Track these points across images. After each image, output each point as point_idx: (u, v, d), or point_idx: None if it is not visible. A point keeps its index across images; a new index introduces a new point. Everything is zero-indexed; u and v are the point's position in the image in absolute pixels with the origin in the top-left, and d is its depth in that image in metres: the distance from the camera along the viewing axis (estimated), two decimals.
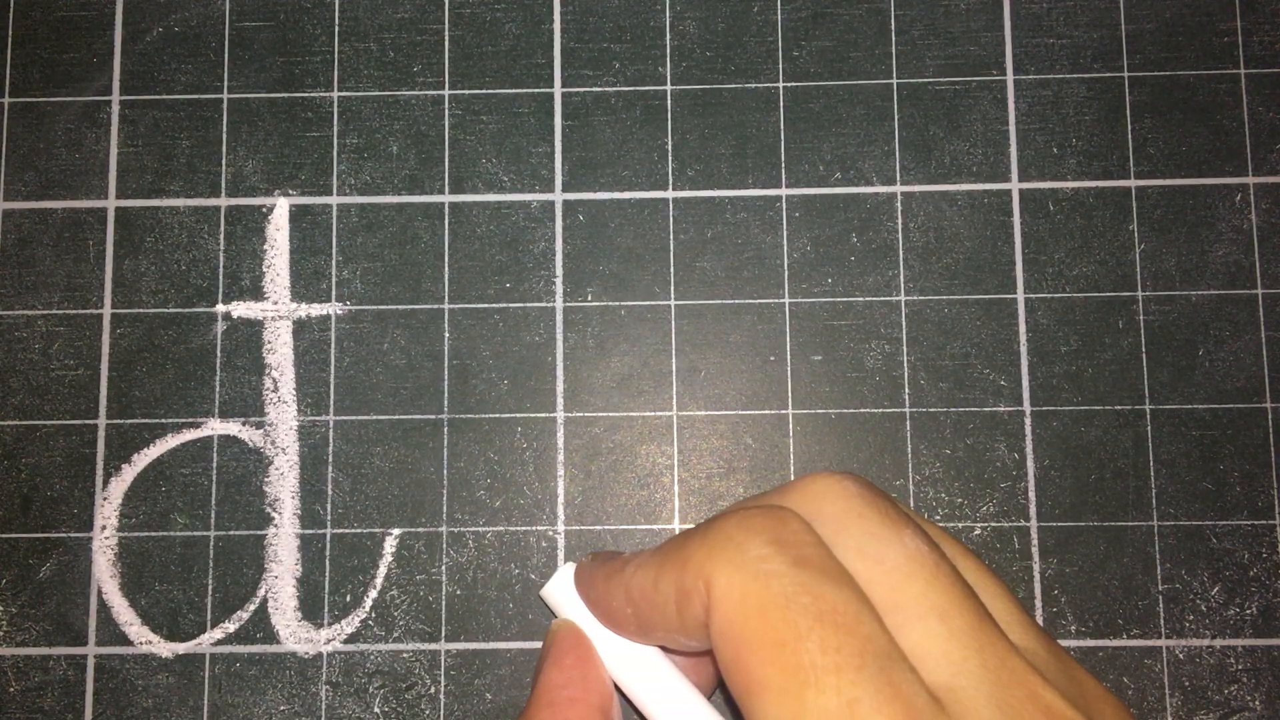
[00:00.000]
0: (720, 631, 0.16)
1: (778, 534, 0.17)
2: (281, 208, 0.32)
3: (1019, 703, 0.15)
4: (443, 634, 0.30)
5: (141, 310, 0.31)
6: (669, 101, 0.32)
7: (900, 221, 0.31)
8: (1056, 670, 0.17)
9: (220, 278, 0.31)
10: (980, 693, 0.15)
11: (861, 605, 0.16)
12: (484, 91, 0.32)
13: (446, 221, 0.32)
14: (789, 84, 0.32)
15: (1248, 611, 0.29)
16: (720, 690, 0.26)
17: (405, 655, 0.30)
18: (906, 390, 0.31)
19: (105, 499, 0.30)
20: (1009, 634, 0.17)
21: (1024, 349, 0.31)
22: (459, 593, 0.30)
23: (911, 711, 0.15)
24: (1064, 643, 0.29)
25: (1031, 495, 0.30)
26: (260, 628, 0.30)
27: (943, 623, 0.16)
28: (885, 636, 0.16)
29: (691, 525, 0.29)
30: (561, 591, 0.23)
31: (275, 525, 0.30)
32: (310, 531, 0.30)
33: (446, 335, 0.31)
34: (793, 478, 0.30)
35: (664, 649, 0.22)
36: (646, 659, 0.22)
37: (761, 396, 0.31)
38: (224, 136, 0.32)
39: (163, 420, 0.31)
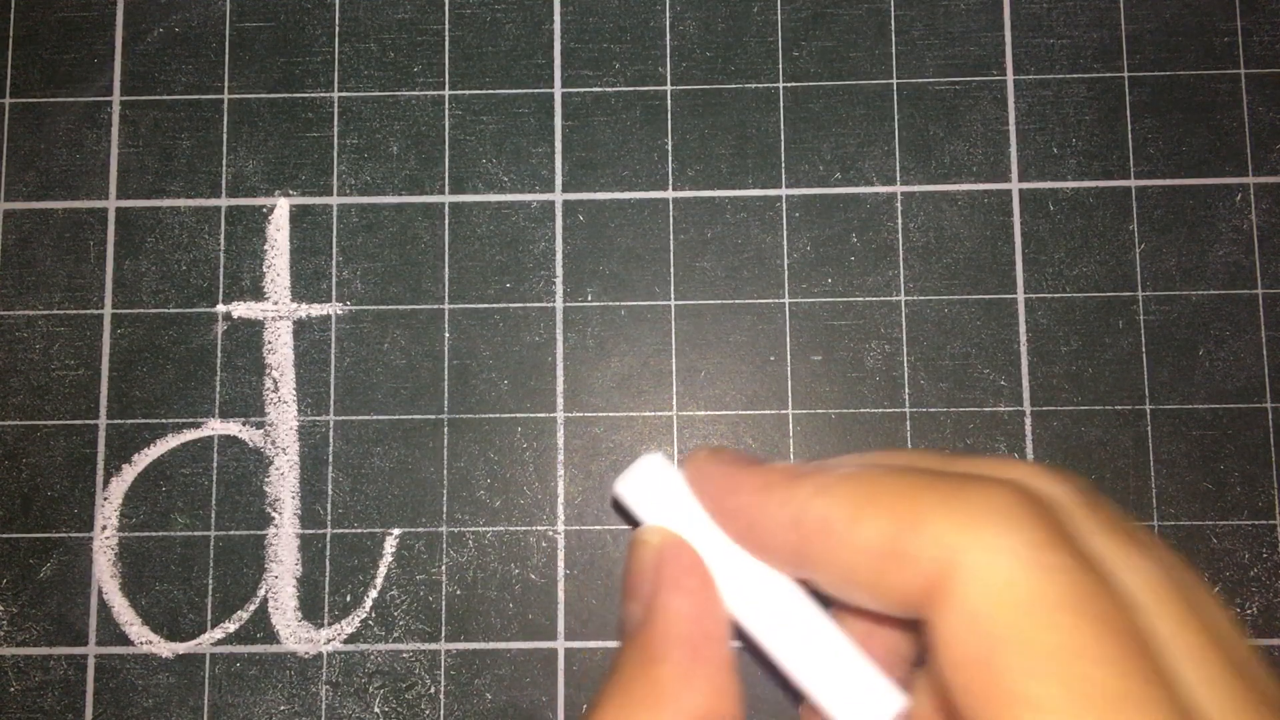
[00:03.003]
0: (963, 625, 0.13)
1: (1052, 521, 0.14)
2: (282, 208, 0.32)
3: None
4: (443, 634, 0.30)
5: (142, 310, 0.31)
6: (669, 101, 0.32)
7: (900, 221, 0.31)
8: None
9: (220, 278, 0.31)
10: None
11: (1147, 636, 0.13)
12: (484, 91, 0.32)
13: (446, 221, 0.32)
14: (789, 84, 0.32)
15: (1248, 611, 0.29)
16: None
17: (405, 655, 0.30)
18: (906, 390, 0.31)
19: (105, 499, 0.31)
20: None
21: (1024, 349, 0.31)
22: (459, 593, 0.30)
23: None
24: None
25: None
26: (260, 628, 0.30)
27: (1201, 667, 0.13)
28: (1176, 680, 0.13)
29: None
30: (651, 491, 0.18)
31: (275, 525, 0.30)
32: (310, 531, 0.30)
33: (446, 335, 0.31)
34: None
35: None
36: (785, 594, 0.17)
37: (761, 396, 0.31)
38: (224, 137, 0.32)
39: (163, 420, 0.31)
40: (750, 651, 0.18)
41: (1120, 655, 0.13)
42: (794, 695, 0.18)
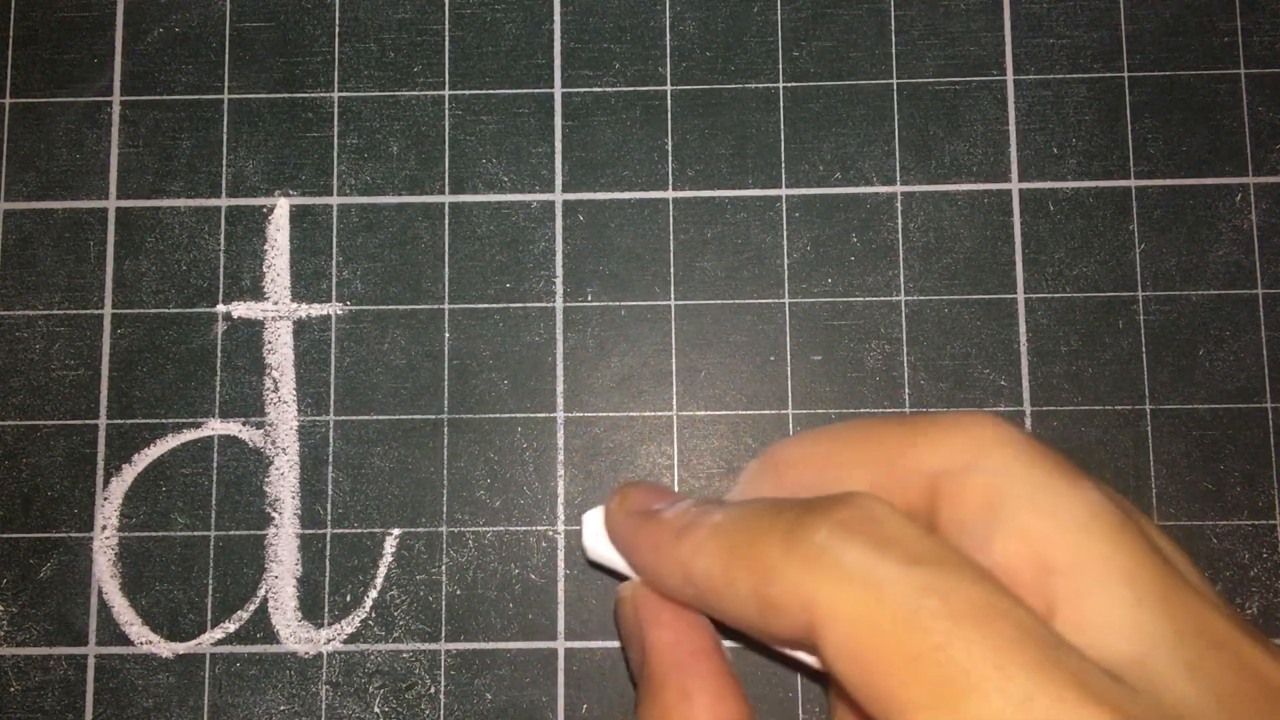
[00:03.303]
0: (840, 658, 0.14)
1: (877, 534, 0.15)
2: (282, 208, 0.32)
3: (1223, 670, 0.14)
4: (443, 634, 0.30)
5: (142, 310, 0.31)
6: (669, 101, 0.32)
7: (900, 221, 0.31)
8: (1257, 638, 0.15)
9: (221, 278, 0.31)
10: (1176, 662, 0.14)
11: (999, 592, 0.14)
12: (484, 91, 0.32)
13: (446, 221, 0.32)
14: (789, 84, 0.32)
15: (1248, 611, 0.29)
16: None
17: (405, 655, 0.30)
18: (906, 390, 0.31)
19: (106, 499, 0.31)
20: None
21: (1024, 349, 0.31)
22: (459, 593, 0.30)
23: (1095, 694, 0.13)
24: None
25: None
26: (260, 628, 0.30)
27: (1129, 586, 0.14)
28: (1037, 620, 0.14)
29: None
30: (606, 544, 0.21)
31: (275, 525, 0.30)
32: (310, 531, 0.30)
33: (446, 335, 0.31)
34: None
35: None
36: None
37: (761, 396, 0.31)
38: (224, 137, 0.32)
39: (163, 420, 0.31)
40: (746, 642, 0.19)
41: (974, 633, 0.13)
42: (812, 675, 0.19)
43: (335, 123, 0.32)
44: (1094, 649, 0.14)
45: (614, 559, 0.21)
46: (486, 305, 0.31)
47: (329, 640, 0.30)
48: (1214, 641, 0.14)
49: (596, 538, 0.21)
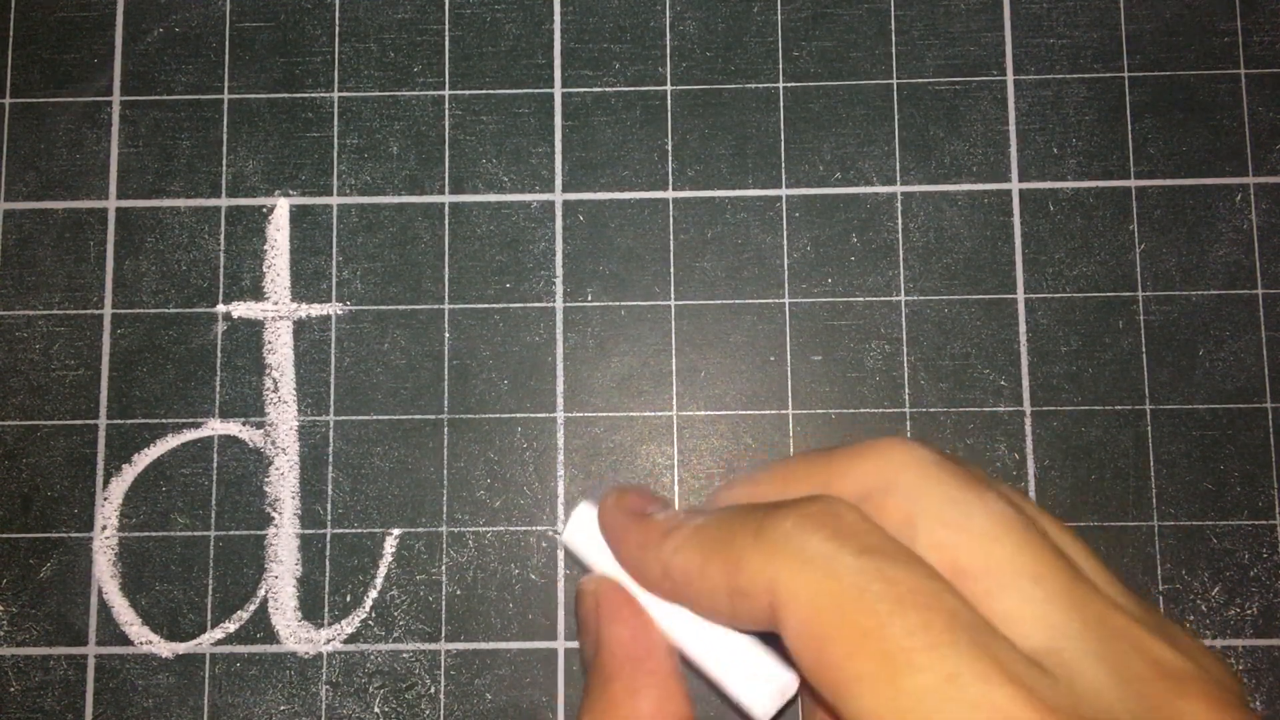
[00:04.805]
0: (797, 635, 0.16)
1: (836, 526, 0.17)
2: (282, 208, 0.32)
3: (1125, 656, 0.15)
4: (443, 634, 0.30)
5: (142, 310, 0.31)
6: (669, 101, 0.32)
7: (900, 221, 0.31)
8: (1154, 625, 0.16)
9: (220, 278, 0.31)
10: (1085, 651, 0.15)
11: (938, 582, 0.16)
12: (484, 91, 0.32)
13: (446, 221, 0.32)
14: (789, 84, 0.32)
15: (1248, 611, 0.29)
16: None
17: (405, 655, 0.30)
18: (906, 390, 0.31)
19: (105, 499, 0.31)
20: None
21: (1024, 349, 0.31)
22: (459, 593, 0.30)
23: (1013, 676, 0.14)
24: None
25: (1031, 495, 0.30)
26: (260, 628, 0.30)
27: (1037, 585, 0.16)
28: (969, 608, 0.15)
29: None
30: (587, 538, 0.22)
31: (275, 525, 0.30)
32: (310, 531, 0.30)
33: (446, 335, 0.31)
34: None
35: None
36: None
37: (761, 396, 0.31)
38: (224, 137, 0.32)
39: (163, 420, 0.31)
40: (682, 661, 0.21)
41: (911, 615, 0.15)
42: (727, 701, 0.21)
43: (335, 123, 0.32)
44: (1012, 641, 0.16)
45: (590, 554, 0.22)
46: (486, 305, 0.31)
47: (329, 640, 0.30)
48: (1115, 631, 0.15)
49: (581, 532, 0.22)
